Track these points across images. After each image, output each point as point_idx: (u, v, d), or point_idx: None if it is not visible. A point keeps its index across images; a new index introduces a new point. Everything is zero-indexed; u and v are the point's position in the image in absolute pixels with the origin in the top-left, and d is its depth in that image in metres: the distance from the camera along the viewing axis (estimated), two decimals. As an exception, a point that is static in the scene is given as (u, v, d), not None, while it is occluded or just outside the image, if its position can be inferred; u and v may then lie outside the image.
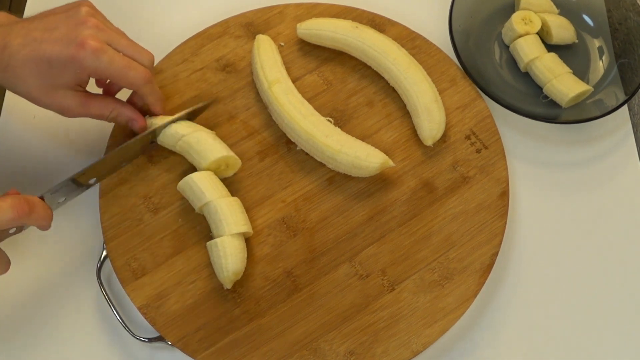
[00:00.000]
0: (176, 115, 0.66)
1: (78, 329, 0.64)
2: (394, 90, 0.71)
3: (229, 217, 0.62)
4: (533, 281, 0.66)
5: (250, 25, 0.74)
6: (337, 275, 0.64)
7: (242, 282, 0.64)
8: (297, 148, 0.69)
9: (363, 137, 0.68)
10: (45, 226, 0.59)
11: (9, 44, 0.58)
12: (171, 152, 0.68)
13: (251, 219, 0.66)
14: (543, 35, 0.74)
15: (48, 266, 0.66)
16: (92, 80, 0.64)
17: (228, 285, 0.62)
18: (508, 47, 0.75)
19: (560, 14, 0.76)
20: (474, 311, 0.65)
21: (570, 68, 0.72)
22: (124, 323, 0.62)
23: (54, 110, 0.62)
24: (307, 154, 0.68)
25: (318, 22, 0.72)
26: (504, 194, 0.67)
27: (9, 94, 0.73)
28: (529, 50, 0.72)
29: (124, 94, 0.67)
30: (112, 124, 0.69)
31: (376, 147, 0.67)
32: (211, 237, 0.64)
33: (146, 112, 0.66)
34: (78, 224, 0.68)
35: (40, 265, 0.66)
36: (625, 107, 0.74)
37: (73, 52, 0.58)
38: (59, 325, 0.64)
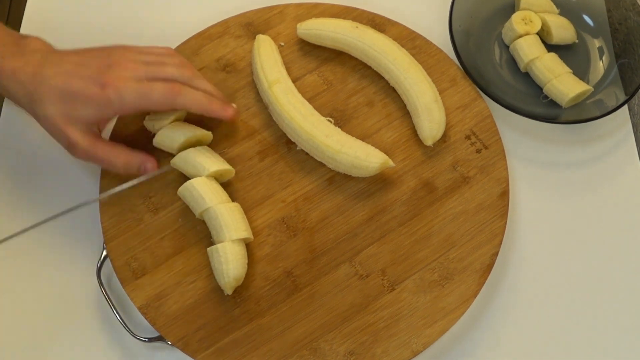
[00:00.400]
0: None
1: (78, 329, 0.64)
2: (394, 90, 0.71)
3: (230, 223, 0.62)
4: (533, 281, 0.66)
5: (250, 25, 0.74)
6: (337, 275, 0.64)
7: (242, 282, 0.64)
8: (297, 148, 0.69)
9: (363, 137, 0.68)
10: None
11: (42, 73, 0.60)
12: (171, 152, 0.68)
13: (251, 219, 0.66)
14: (543, 35, 0.74)
15: (48, 266, 0.66)
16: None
17: (229, 291, 0.62)
18: (508, 47, 0.75)
19: (560, 14, 0.76)
20: (474, 311, 0.65)
21: (570, 68, 0.72)
22: (124, 323, 0.62)
23: (62, 142, 0.62)
24: (307, 154, 0.68)
25: (318, 22, 0.72)
26: (504, 194, 0.67)
27: (9, 94, 0.74)
28: (529, 50, 0.72)
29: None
30: (111, 126, 0.69)
31: (376, 147, 0.67)
32: (211, 238, 0.64)
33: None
34: (78, 224, 0.68)
35: (40, 265, 0.66)
36: (625, 107, 0.74)
37: (97, 91, 0.60)
38: (59, 325, 0.64)
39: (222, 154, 0.68)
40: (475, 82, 0.71)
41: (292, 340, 0.62)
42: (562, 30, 0.74)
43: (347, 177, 0.68)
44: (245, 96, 0.71)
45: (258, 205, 0.67)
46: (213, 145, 0.68)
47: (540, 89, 0.73)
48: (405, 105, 0.70)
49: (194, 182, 0.63)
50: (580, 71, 0.74)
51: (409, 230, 0.66)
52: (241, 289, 0.63)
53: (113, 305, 0.63)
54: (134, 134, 0.69)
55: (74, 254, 0.67)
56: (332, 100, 0.71)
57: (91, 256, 0.66)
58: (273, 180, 0.68)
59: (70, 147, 0.62)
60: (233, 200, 0.66)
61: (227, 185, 0.67)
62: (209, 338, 0.62)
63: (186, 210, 0.66)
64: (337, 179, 0.68)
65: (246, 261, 0.63)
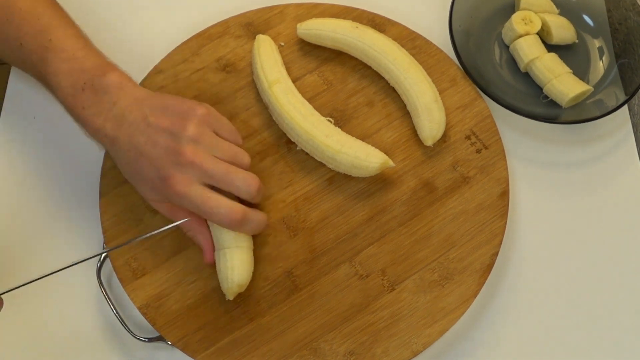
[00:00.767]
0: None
1: (78, 328, 0.64)
2: (394, 90, 0.71)
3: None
4: (533, 281, 0.66)
5: (250, 25, 0.74)
6: (337, 275, 0.64)
7: (242, 282, 0.64)
8: (297, 148, 0.69)
9: (363, 137, 0.68)
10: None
11: (116, 142, 0.60)
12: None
13: (251, 219, 0.66)
14: (543, 35, 0.74)
15: (48, 266, 0.66)
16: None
17: (230, 296, 0.61)
18: (508, 47, 0.75)
19: (560, 14, 0.76)
20: (474, 311, 0.65)
21: (570, 68, 0.72)
22: (124, 323, 0.62)
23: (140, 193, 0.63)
24: (307, 154, 0.68)
25: (318, 22, 0.72)
26: (504, 194, 0.67)
27: (8, 94, 0.74)
28: (529, 51, 0.72)
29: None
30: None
31: (376, 147, 0.67)
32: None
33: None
34: (78, 224, 0.68)
35: (40, 265, 0.66)
36: (625, 107, 0.74)
37: (159, 184, 0.59)
38: (59, 325, 0.64)
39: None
40: (475, 82, 0.71)
41: (292, 340, 0.62)
42: (562, 30, 0.74)
43: (347, 177, 0.68)
44: (245, 96, 0.71)
45: (258, 206, 0.67)
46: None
47: (540, 89, 0.73)
48: (405, 105, 0.70)
49: None
50: (580, 71, 0.74)
51: (409, 230, 0.66)
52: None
53: (113, 305, 0.63)
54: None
55: (74, 254, 0.67)
56: (332, 100, 0.71)
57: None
58: (273, 180, 0.68)
59: (146, 199, 0.63)
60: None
61: (227, 185, 0.67)
62: (209, 338, 0.62)
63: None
64: (337, 179, 0.68)
65: (252, 269, 0.62)
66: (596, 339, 0.65)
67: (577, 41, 0.75)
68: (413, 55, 0.71)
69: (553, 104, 0.72)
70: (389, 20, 0.74)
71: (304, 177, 0.68)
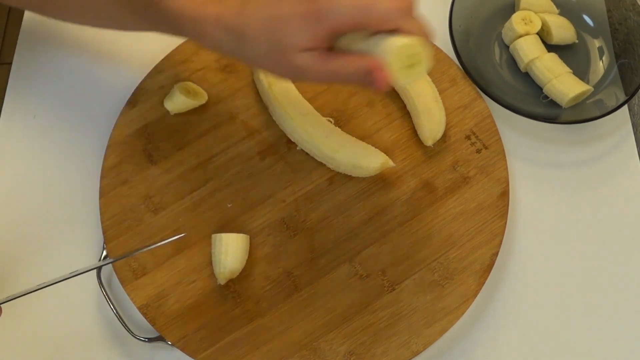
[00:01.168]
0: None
1: (78, 329, 0.64)
2: (394, 90, 0.71)
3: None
4: (533, 281, 0.66)
5: (250, 25, 0.74)
6: (337, 275, 0.64)
7: (242, 282, 0.64)
8: (298, 148, 0.69)
9: (363, 137, 0.68)
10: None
11: (245, 10, 0.54)
12: (171, 152, 0.68)
13: (251, 219, 0.66)
14: (543, 35, 0.74)
15: (48, 266, 0.66)
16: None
17: (221, 281, 0.62)
18: (508, 47, 0.75)
19: (560, 14, 0.76)
20: (474, 311, 0.65)
21: (570, 68, 0.72)
22: (124, 323, 0.62)
23: (288, 75, 0.55)
24: (307, 154, 0.68)
25: (318, 22, 0.72)
26: (504, 194, 0.67)
27: (8, 94, 0.74)
28: (529, 50, 0.72)
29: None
30: (107, 138, 0.70)
31: (376, 147, 0.67)
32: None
33: None
34: (78, 224, 0.68)
35: (40, 266, 0.66)
36: (625, 107, 0.74)
37: (306, 7, 0.52)
38: (59, 325, 0.64)
39: (222, 154, 0.68)
40: (475, 82, 0.71)
41: (292, 340, 0.62)
42: (562, 30, 0.74)
43: (347, 177, 0.68)
44: (245, 96, 0.71)
45: (258, 205, 0.67)
46: (213, 145, 0.68)
47: (540, 89, 0.73)
48: (405, 105, 0.70)
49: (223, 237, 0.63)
50: (580, 71, 0.74)
51: (409, 230, 0.66)
52: (241, 289, 0.64)
53: (113, 305, 0.63)
54: (133, 134, 0.69)
55: (74, 254, 0.67)
56: (332, 100, 0.71)
57: (91, 256, 0.66)
58: (273, 180, 0.68)
59: (296, 75, 0.55)
60: (233, 200, 0.66)
61: (227, 185, 0.67)
62: (209, 338, 0.62)
63: (186, 211, 0.66)
64: (337, 179, 0.68)
65: (246, 257, 0.63)
66: (596, 339, 0.65)
67: (577, 41, 0.75)
68: (413, 55, 0.71)
69: (553, 104, 0.72)
70: (389, 20, 0.74)
71: (304, 177, 0.68)
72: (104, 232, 0.65)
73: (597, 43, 0.76)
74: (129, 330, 0.62)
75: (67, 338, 0.64)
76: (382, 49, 0.51)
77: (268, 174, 0.68)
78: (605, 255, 0.68)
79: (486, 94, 0.70)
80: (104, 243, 0.65)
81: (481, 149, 0.69)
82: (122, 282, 0.64)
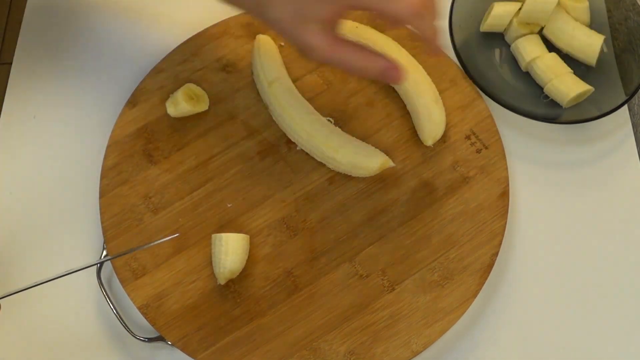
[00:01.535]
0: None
1: (78, 329, 0.64)
2: (394, 90, 0.71)
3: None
4: (533, 281, 0.66)
5: (250, 25, 0.74)
6: (337, 275, 0.64)
7: (242, 282, 0.64)
8: (298, 148, 0.69)
9: (363, 137, 0.68)
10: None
11: None
12: (171, 152, 0.68)
13: (251, 219, 0.66)
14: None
15: (48, 266, 0.66)
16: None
17: (221, 281, 0.62)
18: (509, 47, 0.75)
19: (561, 14, 0.76)
20: (474, 311, 0.65)
21: (571, 68, 0.72)
22: (124, 323, 0.62)
23: (298, 45, 0.56)
24: (307, 154, 0.68)
25: (318, 22, 0.72)
26: (504, 194, 0.67)
27: (8, 94, 0.74)
28: (530, 50, 0.72)
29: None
30: (109, 134, 0.70)
31: (376, 147, 0.67)
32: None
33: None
34: (78, 224, 0.68)
35: (40, 266, 0.66)
36: (625, 107, 0.74)
37: None
38: (59, 325, 0.64)
39: (222, 154, 0.68)
40: (475, 82, 0.71)
41: (292, 340, 0.62)
42: (562, 30, 0.74)
43: (347, 177, 0.68)
44: (245, 96, 0.71)
45: (258, 205, 0.67)
46: (213, 145, 0.68)
47: (541, 88, 0.73)
48: (405, 105, 0.70)
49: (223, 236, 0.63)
50: (581, 71, 0.74)
51: (409, 230, 0.66)
52: (241, 289, 0.64)
53: (113, 305, 0.63)
54: (133, 134, 0.69)
55: (74, 254, 0.67)
56: (332, 100, 0.71)
57: (91, 256, 0.66)
58: (273, 180, 0.68)
59: (307, 50, 0.55)
60: (233, 200, 0.66)
61: (227, 185, 0.67)
62: (209, 338, 0.62)
63: (186, 211, 0.66)
64: (337, 179, 0.68)
65: (246, 257, 0.63)
66: (596, 339, 0.65)
67: (577, 41, 0.75)
68: (413, 55, 0.71)
69: (553, 103, 0.72)
70: (389, 20, 0.74)
71: (304, 177, 0.68)
72: (104, 232, 0.65)
73: (597, 43, 0.76)
74: (129, 330, 0.62)
75: (67, 338, 0.64)
76: None
77: (268, 174, 0.68)
78: (605, 255, 0.68)
79: (486, 94, 0.70)
80: (104, 243, 0.65)
81: (481, 149, 0.69)
82: (122, 282, 0.64)
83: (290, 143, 0.69)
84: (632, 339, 0.65)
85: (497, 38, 0.76)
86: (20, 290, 0.58)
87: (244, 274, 0.64)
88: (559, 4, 0.71)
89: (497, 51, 0.75)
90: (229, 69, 0.72)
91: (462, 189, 0.67)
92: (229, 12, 0.75)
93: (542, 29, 0.74)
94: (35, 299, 0.65)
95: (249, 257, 0.64)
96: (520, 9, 0.72)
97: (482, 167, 0.68)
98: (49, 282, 0.64)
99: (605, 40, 0.73)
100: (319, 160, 0.67)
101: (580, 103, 0.72)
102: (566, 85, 0.70)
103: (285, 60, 0.72)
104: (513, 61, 0.75)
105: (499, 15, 0.73)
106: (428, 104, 0.68)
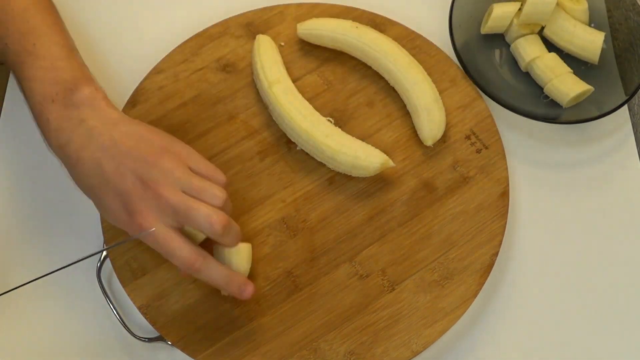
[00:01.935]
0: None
1: (78, 329, 0.64)
2: (394, 90, 0.71)
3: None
4: (533, 281, 0.66)
5: (250, 25, 0.74)
6: (337, 275, 0.64)
7: (242, 282, 0.64)
8: (298, 148, 0.69)
9: (363, 137, 0.68)
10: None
11: (80, 163, 0.57)
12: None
13: (251, 219, 0.66)
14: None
15: (47, 267, 0.66)
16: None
17: (224, 292, 0.61)
18: (509, 47, 0.75)
19: (561, 14, 0.76)
20: (474, 311, 0.65)
21: (571, 68, 0.72)
22: (124, 323, 0.62)
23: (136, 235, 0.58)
24: (307, 154, 0.68)
25: (318, 22, 0.72)
26: (504, 194, 0.67)
27: (8, 94, 0.74)
28: (530, 50, 0.72)
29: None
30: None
31: (376, 147, 0.67)
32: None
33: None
34: (78, 224, 0.68)
35: (40, 266, 0.66)
36: (625, 107, 0.74)
37: (125, 218, 0.56)
38: (59, 325, 0.64)
39: (222, 154, 0.68)
40: (475, 82, 0.71)
41: (292, 340, 0.62)
42: (562, 30, 0.74)
43: (348, 177, 0.68)
44: (245, 96, 0.71)
45: (258, 205, 0.67)
46: (213, 145, 0.68)
47: (541, 88, 0.73)
48: (405, 105, 0.70)
49: None
50: (581, 71, 0.74)
51: (409, 230, 0.66)
52: (241, 289, 0.63)
53: (113, 305, 0.63)
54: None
55: (74, 255, 0.67)
56: (332, 100, 0.71)
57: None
58: (273, 180, 0.68)
59: (153, 242, 0.57)
60: (233, 200, 0.66)
61: (228, 184, 0.67)
62: (209, 338, 0.62)
63: (186, 210, 0.66)
64: (337, 179, 0.68)
65: (249, 267, 0.62)
66: (596, 339, 0.65)
67: (577, 41, 0.75)
68: (413, 55, 0.71)
69: (553, 104, 0.72)
70: (389, 20, 0.74)
71: (304, 177, 0.68)
72: (104, 232, 0.65)
73: (597, 43, 0.76)
74: (129, 330, 0.62)
75: (67, 338, 0.64)
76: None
77: (268, 174, 0.68)
78: (605, 255, 0.68)
79: (486, 94, 0.70)
80: (104, 243, 0.65)
81: (481, 149, 0.69)
82: (122, 282, 0.64)
83: (290, 143, 0.69)
84: (632, 339, 0.65)
85: (497, 38, 0.76)
86: (17, 287, 0.58)
87: (244, 274, 0.64)
88: (557, 5, 0.71)
89: (497, 51, 0.76)
90: (229, 69, 0.72)
91: (462, 189, 0.67)
92: (229, 12, 0.75)
93: (542, 29, 0.74)
94: (35, 299, 0.65)
95: (249, 257, 0.64)
96: (520, 9, 0.72)
97: (482, 167, 0.68)
98: (48, 283, 0.64)
99: (605, 39, 0.73)
100: (319, 160, 0.67)
101: (580, 103, 0.72)
102: (566, 85, 0.70)
103: (286, 60, 0.72)
104: (513, 61, 0.75)
105: (498, 17, 0.73)
106: (428, 103, 0.68)
